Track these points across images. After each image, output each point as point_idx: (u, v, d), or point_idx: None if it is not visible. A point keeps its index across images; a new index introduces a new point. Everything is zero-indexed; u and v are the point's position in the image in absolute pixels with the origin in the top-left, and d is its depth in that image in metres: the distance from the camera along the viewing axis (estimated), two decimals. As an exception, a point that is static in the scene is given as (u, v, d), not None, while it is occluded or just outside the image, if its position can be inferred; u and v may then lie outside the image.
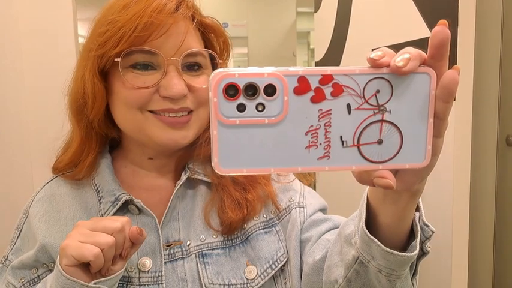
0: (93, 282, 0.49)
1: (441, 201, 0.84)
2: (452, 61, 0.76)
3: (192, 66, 0.58)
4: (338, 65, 1.32)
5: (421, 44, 0.85)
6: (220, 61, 0.62)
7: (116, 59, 0.55)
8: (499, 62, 0.89)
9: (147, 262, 0.58)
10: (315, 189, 0.86)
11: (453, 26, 0.76)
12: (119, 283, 0.56)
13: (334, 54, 1.36)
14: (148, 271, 0.58)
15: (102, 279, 0.50)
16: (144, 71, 0.56)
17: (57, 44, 1.48)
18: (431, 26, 0.84)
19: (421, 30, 0.86)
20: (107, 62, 0.56)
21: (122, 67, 0.56)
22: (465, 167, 0.81)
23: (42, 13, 1.48)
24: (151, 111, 0.57)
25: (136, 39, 0.54)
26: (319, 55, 1.53)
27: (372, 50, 1.11)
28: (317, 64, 1.56)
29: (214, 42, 0.63)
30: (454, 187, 0.81)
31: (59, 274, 0.48)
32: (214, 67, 0.62)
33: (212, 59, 0.62)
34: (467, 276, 0.85)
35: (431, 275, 0.87)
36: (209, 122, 0.59)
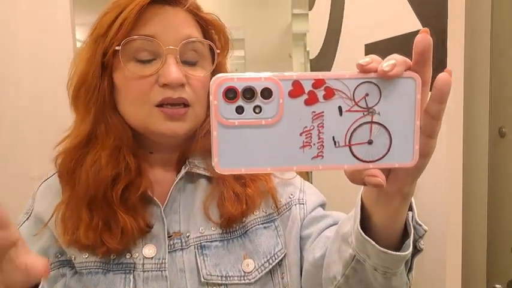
0: None
1: (435, 194, 0.84)
2: (442, 53, 0.77)
3: (189, 62, 0.60)
4: (333, 61, 1.34)
5: (413, 37, 0.86)
6: (218, 51, 0.63)
7: (116, 47, 0.57)
8: (490, 53, 0.90)
9: (152, 249, 0.60)
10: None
11: (443, 19, 0.78)
12: (125, 269, 0.58)
13: (328, 51, 1.38)
14: (152, 258, 0.59)
15: None
16: (146, 64, 0.58)
17: (55, 48, 1.49)
18: (422, 19, 0.85)
19: (412, 24, 0.87)
20: (109, 51, 0.58)
21: (123, 56, 0.57)
22: (457, 160, 0.82)
23: (40, 18, 1.49)
24: (156, 106, 0.58)
25: (136, 25, 0.56)
26: (314, 53, 1.54)
27: (365, 45, 1.10)
28: (312, 61, 1.57)
29: (215, 37, 0.65)
30: (448, 180, 0.82)
31: None
32: (214, 61, 0.64)
33: (212, 53, 0.63)
34: (461, 266, 0.85)
35: (426, 268, 0.87)
36: (206, 118, 0.62)
